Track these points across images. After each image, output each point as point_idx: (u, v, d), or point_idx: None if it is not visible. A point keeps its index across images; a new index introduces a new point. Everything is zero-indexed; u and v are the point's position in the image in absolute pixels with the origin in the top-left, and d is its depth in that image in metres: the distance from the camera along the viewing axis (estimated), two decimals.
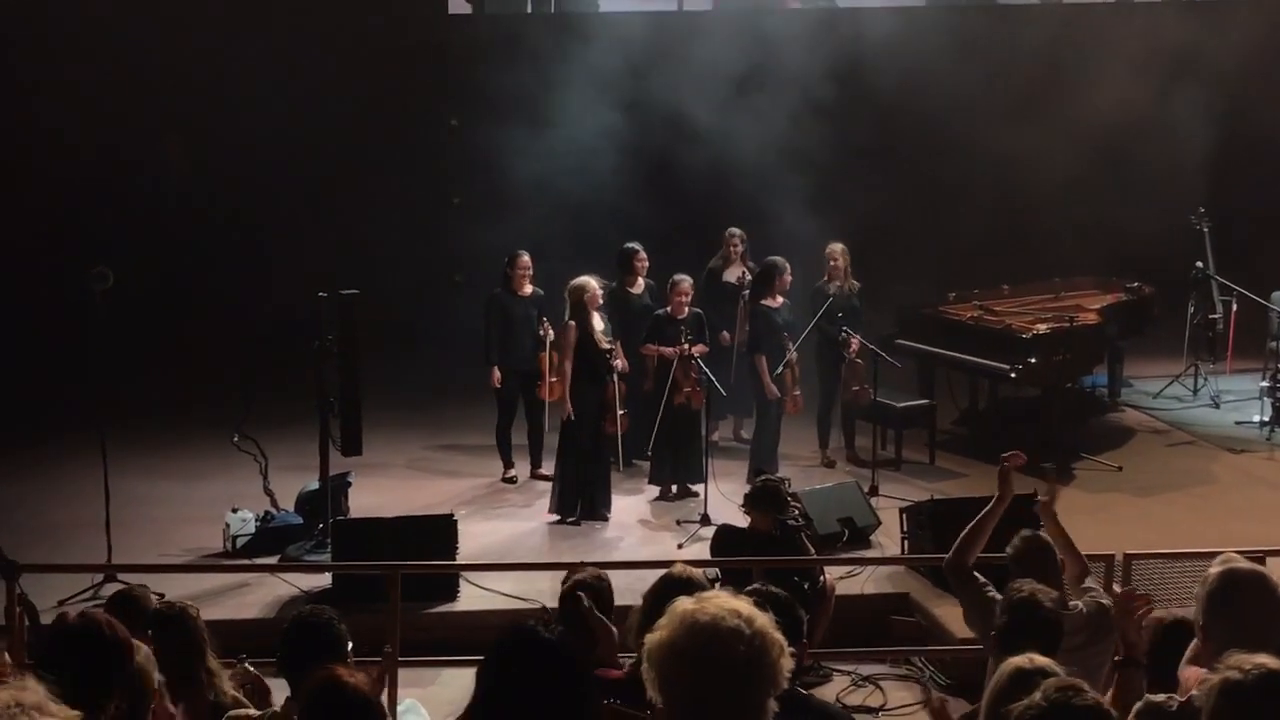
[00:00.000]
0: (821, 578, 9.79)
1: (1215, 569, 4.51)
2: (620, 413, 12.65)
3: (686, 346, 12.70)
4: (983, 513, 7.05)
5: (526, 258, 13.41)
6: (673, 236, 15.76)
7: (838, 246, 13.92)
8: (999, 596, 6.42)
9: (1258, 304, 15.44)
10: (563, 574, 7.43)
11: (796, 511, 9.94)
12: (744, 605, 3.20)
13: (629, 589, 7.73)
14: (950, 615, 9.61)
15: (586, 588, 6.08)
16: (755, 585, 5.76)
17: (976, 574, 6.90)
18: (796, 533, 9.65)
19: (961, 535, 7.01)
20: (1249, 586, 4.43)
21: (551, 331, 12.80)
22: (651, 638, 3.22)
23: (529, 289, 13.39)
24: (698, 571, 5.96)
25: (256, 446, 12.15)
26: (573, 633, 5.43)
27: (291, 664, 5.18)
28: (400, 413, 14.98)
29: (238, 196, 17.80)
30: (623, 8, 19.05)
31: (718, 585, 9.19)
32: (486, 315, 13.37)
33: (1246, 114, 17.01)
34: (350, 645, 5.29)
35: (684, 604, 3.23)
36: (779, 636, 3.19)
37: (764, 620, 3.18)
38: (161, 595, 7.70)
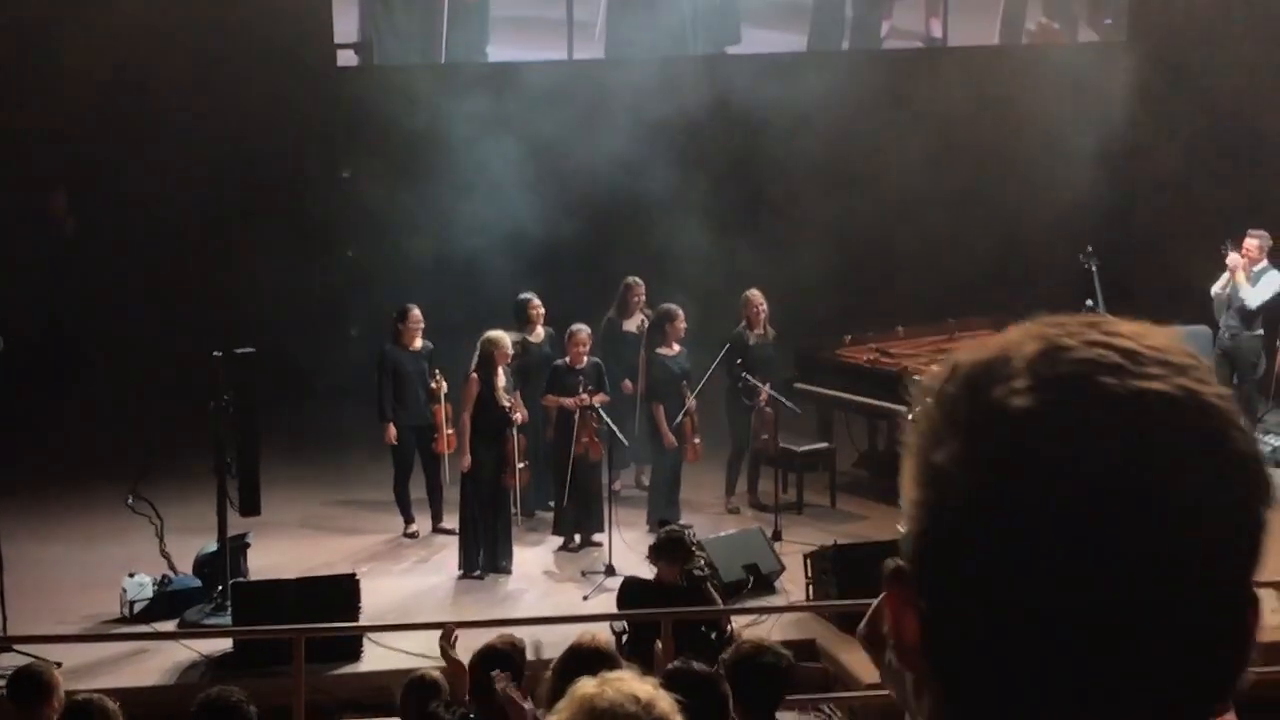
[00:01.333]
0: (729, 626, 9.78)
1: None
2: (520, 465, 12.59)
3: (586, 397, 12.67)
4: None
5: (417, 312, 13.37)
6: (569, 283, 15.73)
7: (755, 293, 13.96)
8: None
9: None
10: (474, 631, 7.42)
11: (702, 561, 9.94)
12: (646, 690, 3.17)
13: (534, 644, 7.69)
14: (857, 661, 9.64)
15: (498, 659, 6.02)
16: (677, 663, 5.68)
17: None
18: (702, 582, 9.65)
19: (874, 604, 6.94)
20: None
21: (445, 384, 12.75)
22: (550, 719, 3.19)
23: (419, 343, 13.34)
24: (606, 638, 5.92)
25: (151, 508, 11.97)
26: (486, 712, 5.38)
27: None
28: (296, 469, 14.80)
29: (127, 250, 17.54)
30: (512, 57, 19.03)
31: (624, 638, 9.21)
32: (379, 371, 13.29)
33: (1134, 153, 17.28)
34: None
35: (585, 687, 3.19)
36: None
37: (665, 706, 3.15)
38: (59, 665, 7.55)
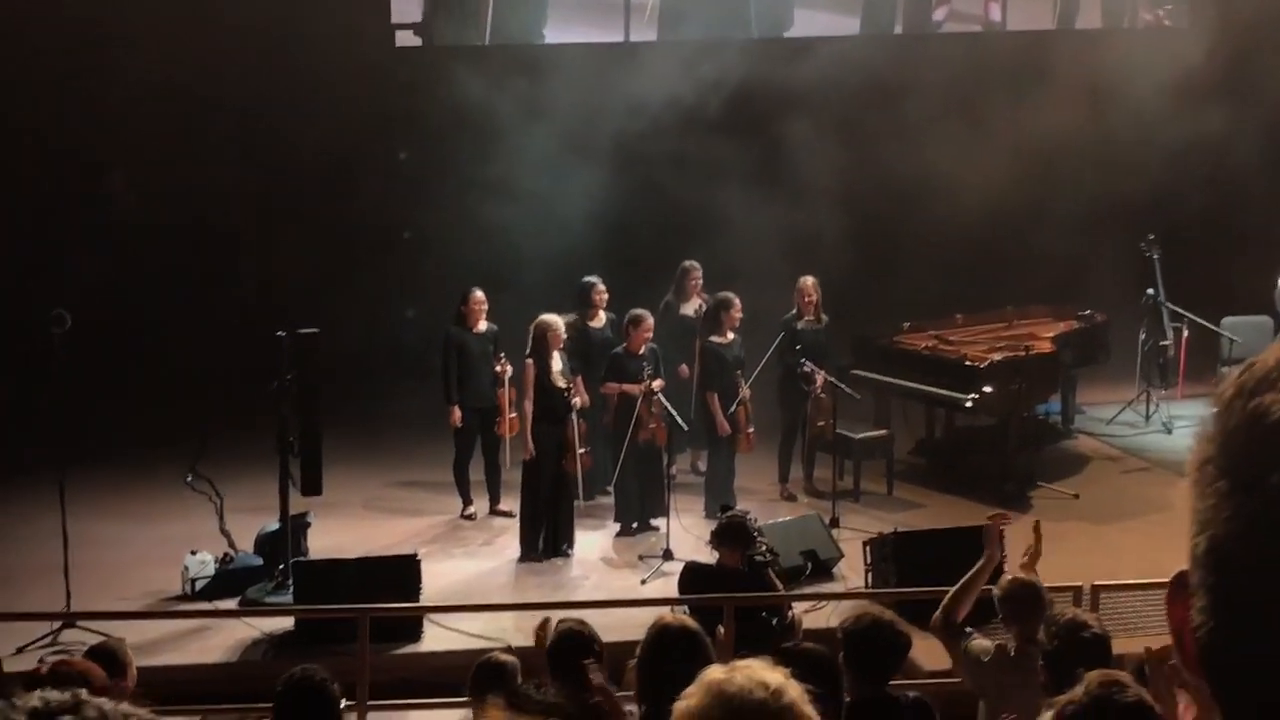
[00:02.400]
0: (789, 612, 9.77)
1: None
2: (581, 451, 12.60)
3: (649, 383, 12.66)
4: (971, 572, 6.91)
5: (480, 293, 13.35)
6: (626, 269, 15.73)
7: (809, 280, 13.92)
8: (989, 643, 6.43)
9: (1208, 329, 15.58)
10: (532, 614, 7.44)
11: (764, 546, 9.90)
12: (776, 677, 3.16)
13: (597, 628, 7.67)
14: (919, 649, 9.58)
15: (579, 643, 6.00)
16: (790, 645, 5.62)
17: (967, 628, 6.83)
18: (764, 568, 9.62)
19: (950, 593, 6.90)
20: None
21: (510, 368, 12.75)
22: (679, 706, 3.18)
23: (484, 325, 13.32)
24: (690, 620, 5.88)
25: (211, 486, 12.03)
26: (570, 691, 5.34)
27: None
28: (356, 450, 14.82)
29: (188, 232, 17.62)
30: (569, 39, 19.03)
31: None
32: (444, 353, 13.28)
33: (1200, 140, 17.13)
34: (343, 705, 5.21)
35: (714, 673, 3.19)
36: (809, 711, 3.14)
37: (794, 693, 3.14)
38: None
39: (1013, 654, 6.32)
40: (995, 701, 6.35)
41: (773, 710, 3.08)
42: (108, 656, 5.88)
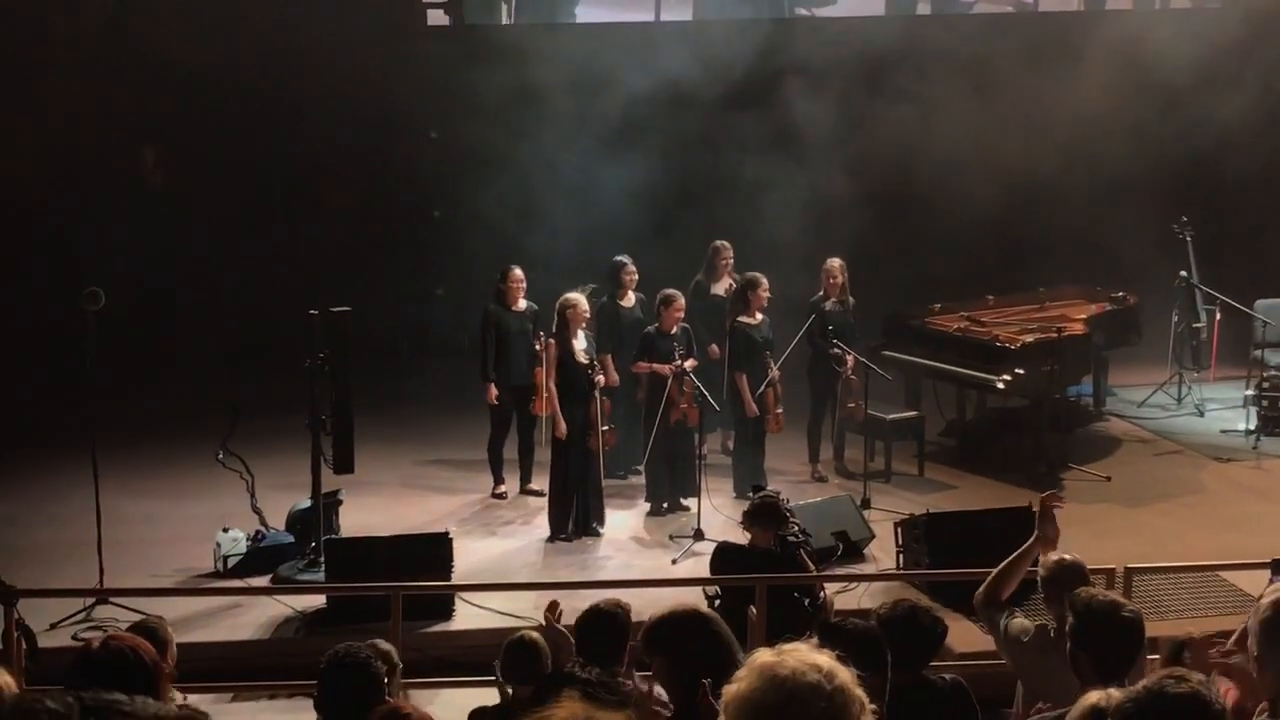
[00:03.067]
0: (821, 593, 9.74)
1: (1268, 598, 4.47)
2: (604, 429, 12.57)
3: (680, 363, 12.64)
4: (1019, 552, 6.86)
5: (519, 271, 13.32)
6: (656, 249, 15.70)
7: (836, 262, 13.87)
8: (1030, 623, 6.40)
9: (1241, 312, 15.52)
10: (564, 594, 7.46)
11: (796, 527, 9.87)
12: (826, 660, 3.16)
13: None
14: (951, 631, 9.57)
15: (605, 623, 5.98)
16: (836, 621, 5.57)
17: (1010, 606, 6.78)
18: (797, 548, 9.58)
19: (994, 572, 6.85)
20: None
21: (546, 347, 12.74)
22: (729, 689, 3.17)
23: (523, 304, 13.29)
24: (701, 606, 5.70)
25: (241, 463, 12.05)
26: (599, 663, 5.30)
27: (329, 704, 5.11)
28: (386, 428, 14.84)
29: (219, 211, 17.65)
30: (600, 18, 19.01)
31: (716, 603, 9.18)
32: (483, 331, 13.26)
33: (1230, 124, 17.03)
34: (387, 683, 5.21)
35: (763, 655, 3.18)
36: (859, 693, 3.14)
37: (845, 676, 3.14)
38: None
39: (1053, 635, 6.29)
40: (1034, 682, 6.33)
41: (826, 692, 3.07)
42: (148, 635, 5.87)
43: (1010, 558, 6.83)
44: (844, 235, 15.47)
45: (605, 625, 6.16)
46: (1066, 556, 6.56)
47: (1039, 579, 6.58)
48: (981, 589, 6.81)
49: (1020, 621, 6.51)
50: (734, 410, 13.41)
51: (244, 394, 13.34)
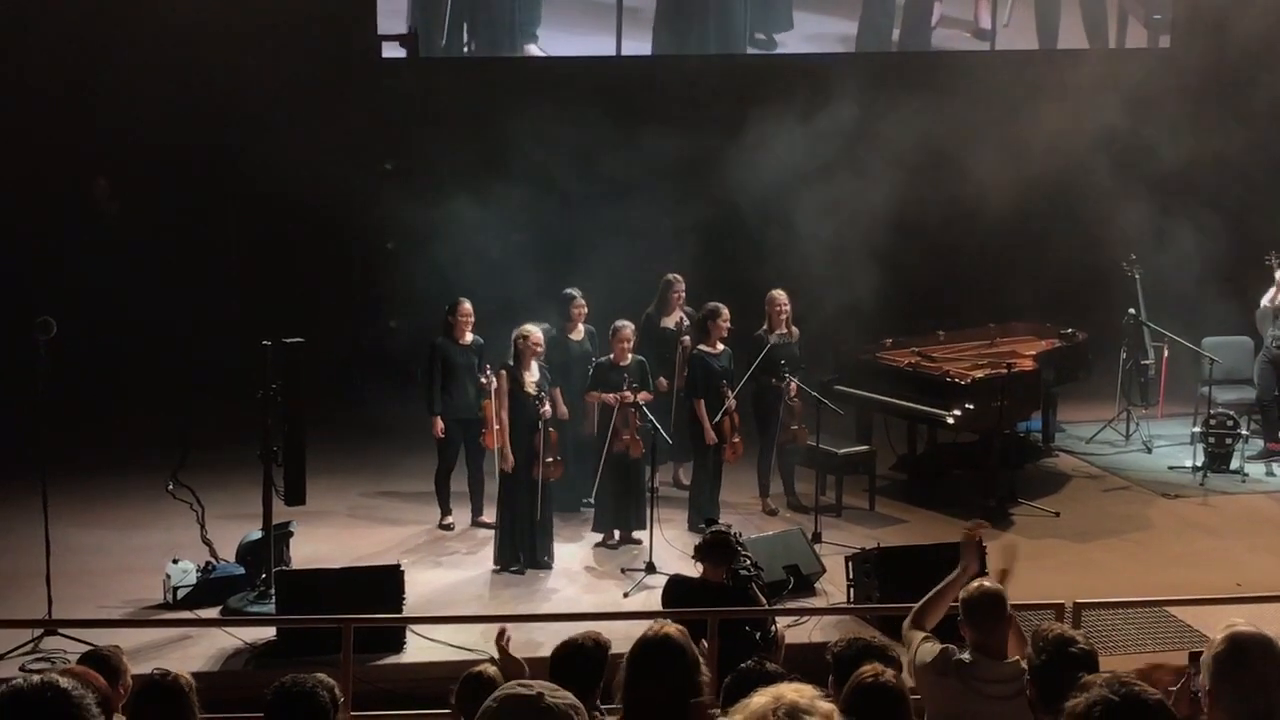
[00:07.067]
0: (773, 627, 9.77)
1: (1221, 634, 4.51)
2: (549, 460, 12.56)
3: (629, 394, 12.69)
4: (945, 581, 6.91)
5: (468, 305, 13.35)
6: (614, 282, 15.72)
7: (780, 294, 13.92)
8: (937, 646, 6.38)
9: (1189, 350, 15.67)
10: (514, 626, 7.45)
11: (748, 560, 9.90)
12: (826, 707, 3.19)
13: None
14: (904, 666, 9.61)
15: (579, 657, 5.98)
16: (869, 680, 5.54)
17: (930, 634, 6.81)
18: (748, 582, 9.61)
19: (922, 601, 6.91)
20: (1256, 651, 4.41)
21: (495, 379, 12.74)
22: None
23: (469, 337, 13.34)
24: (677, 630, 5.76)
25: (192, 494, 11.99)
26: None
27: None
28: (338, 459, 14.83)
29: (172, 240, 17.59)
30: (560, 51, 19.05)
31: None
32: (429, 364, 13.29)
33: (1184, 163, 17.19)
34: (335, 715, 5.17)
35: (759, 700, 3.20)
36: None
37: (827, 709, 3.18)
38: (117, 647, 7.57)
39: (955, 659, 6.26)
40: (933, 705, 6.31)
41: None
42: (99, 664, 5.86)
43: (936, 587, 6.88)
44: (793, 268, 15.48)
45: (581, 658, 6.15)
46: (988, 584, 6.59)
47: (959, 601, 6.59)
48: (908, 617, 6.85)
49: (929, 645, 6.49)
50: (692, 441, 13.45)
51: (197, 424, 13.28)
